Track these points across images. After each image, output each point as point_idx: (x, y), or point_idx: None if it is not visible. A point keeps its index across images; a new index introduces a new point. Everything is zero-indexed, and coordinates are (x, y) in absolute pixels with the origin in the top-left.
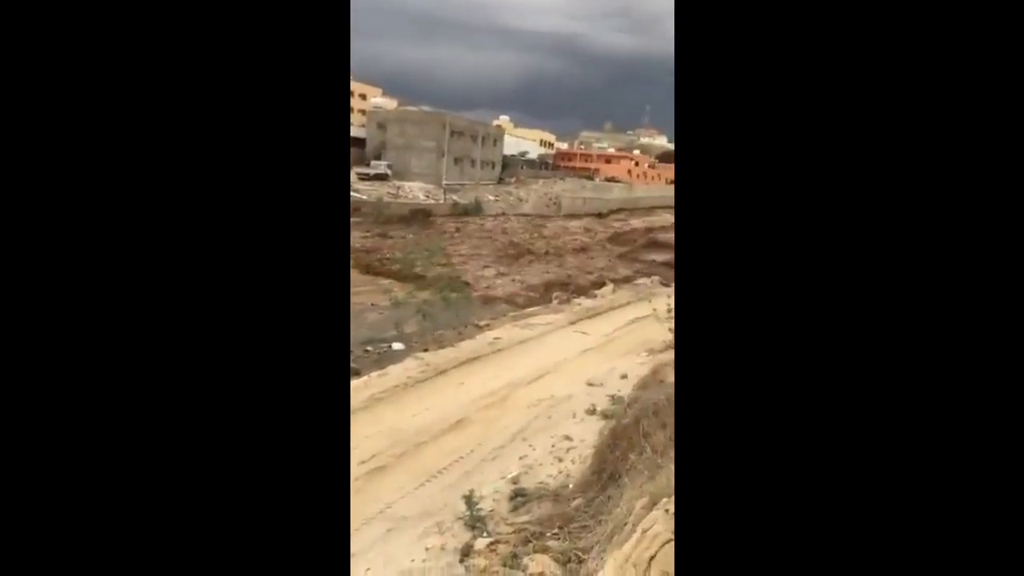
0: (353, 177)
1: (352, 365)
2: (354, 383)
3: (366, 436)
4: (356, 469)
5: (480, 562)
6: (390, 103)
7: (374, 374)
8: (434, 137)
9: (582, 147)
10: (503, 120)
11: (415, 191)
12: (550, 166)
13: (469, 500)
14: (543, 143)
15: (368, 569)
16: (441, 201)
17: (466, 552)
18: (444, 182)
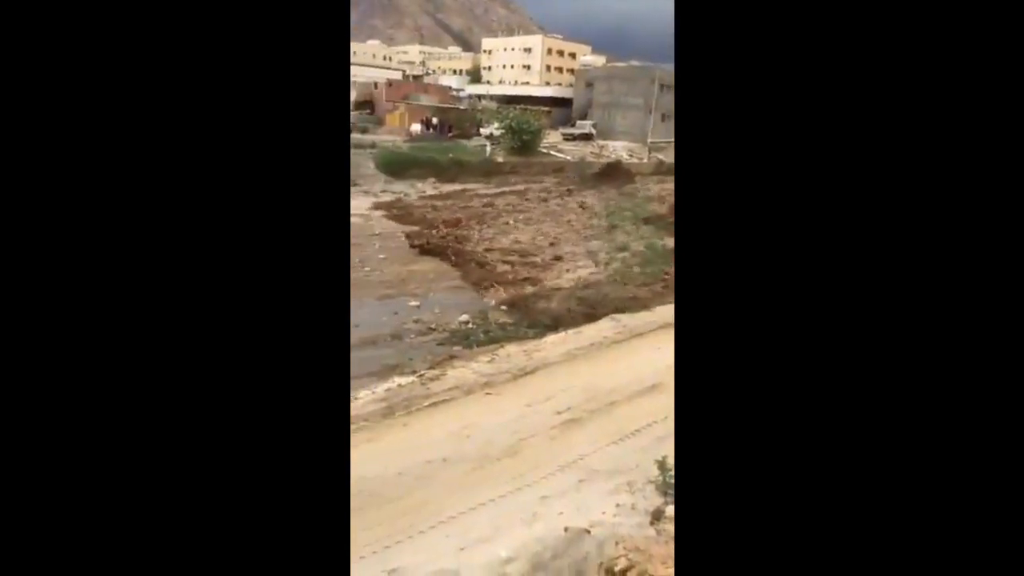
0: (558, 137)
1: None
2: (552, 338)
3: (562, 388)
4: (552, 418)
5: (671, 528)
6: (599, 60)
7: (571, 331)
8: (642, 93)
9: None
10: None
11: (619, 150)
12: None
13: (662, 465)
14: None
15: (561, 513)
16: (645, 160)
17: (657, 516)
18: (649, 140)
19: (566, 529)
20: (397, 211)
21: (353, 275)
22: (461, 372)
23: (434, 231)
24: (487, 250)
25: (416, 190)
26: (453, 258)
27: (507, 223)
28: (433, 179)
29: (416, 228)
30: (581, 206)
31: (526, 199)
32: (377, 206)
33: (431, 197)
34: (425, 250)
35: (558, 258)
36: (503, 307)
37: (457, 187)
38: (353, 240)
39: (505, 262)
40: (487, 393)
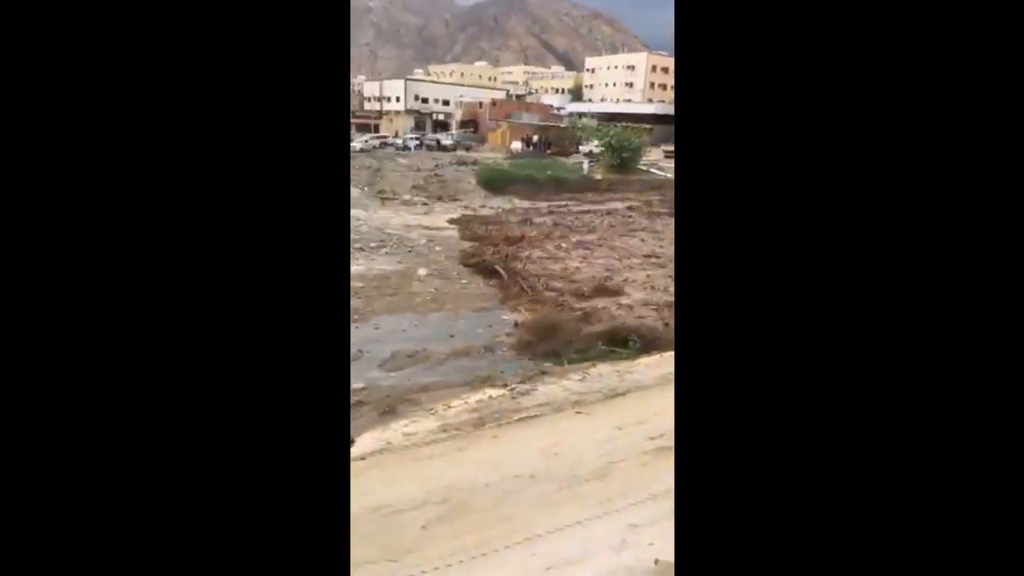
0: (660, 155)
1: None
2: (647, 360)
3: (655, 413)
4: (645, 444)
5: None
6: None
7: (667, 354)
8: None
9: None
10: None
11: None
12: None
13: None
14: None
15: (651, 544)
16: None
17: None
18: None
19: (656, 561)
20: (462, 225)
21: (451, 288)
22: (551, 389)
23: (488, 248)
24: (537, 275)
25: (513, 205)
26: (504, 277)
27: (560, 246)
28: (523, 195)
29: (476, 244)
30: (646, 230)
31: (612, 216)
32: (453, 220)
33: (510, 211)
34: (479, 268)
35: (624, 282)
36: (523, 329)
37: (545, 203)
38: (451, 253)
39: (551, 289)
40: (577, 412)
